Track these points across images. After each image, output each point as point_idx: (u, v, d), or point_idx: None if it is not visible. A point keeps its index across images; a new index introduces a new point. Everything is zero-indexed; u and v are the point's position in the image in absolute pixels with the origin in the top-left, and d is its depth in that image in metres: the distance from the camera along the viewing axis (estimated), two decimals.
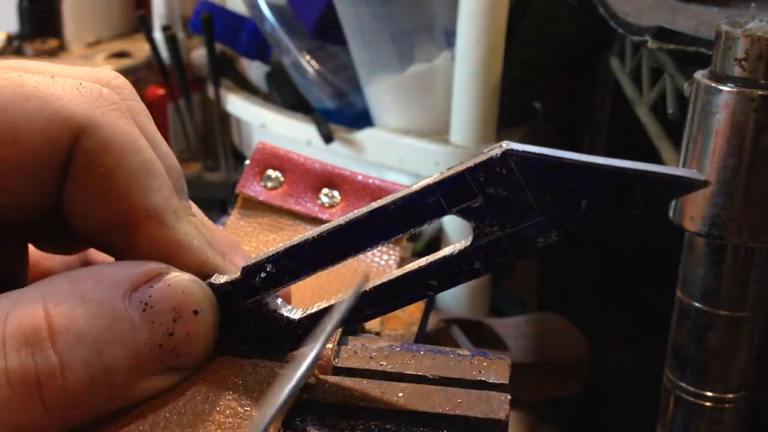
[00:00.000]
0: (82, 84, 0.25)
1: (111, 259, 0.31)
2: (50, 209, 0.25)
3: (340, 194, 0.44)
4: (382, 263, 0.42)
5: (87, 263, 0.31)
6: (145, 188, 0.25)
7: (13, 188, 0.24)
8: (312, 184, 0.44)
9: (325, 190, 0.44)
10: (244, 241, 0.42)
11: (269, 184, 0.44)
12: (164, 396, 0.25)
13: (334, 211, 0.43)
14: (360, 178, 0.44)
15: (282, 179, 0.44)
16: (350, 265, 0.41)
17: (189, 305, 0.24)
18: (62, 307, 0.22)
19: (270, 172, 0.44)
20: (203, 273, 0.26)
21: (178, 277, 0.25)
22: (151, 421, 0.24)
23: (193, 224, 0.26)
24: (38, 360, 0.22)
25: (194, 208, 0.28)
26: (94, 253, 0.31)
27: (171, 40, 1.09)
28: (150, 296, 0.24)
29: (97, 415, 0.23)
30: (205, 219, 0.29)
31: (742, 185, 0.39)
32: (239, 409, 0.25)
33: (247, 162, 0.44)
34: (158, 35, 1.15)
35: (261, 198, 0.43)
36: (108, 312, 0.23)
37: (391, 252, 0.43)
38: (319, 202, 0.44)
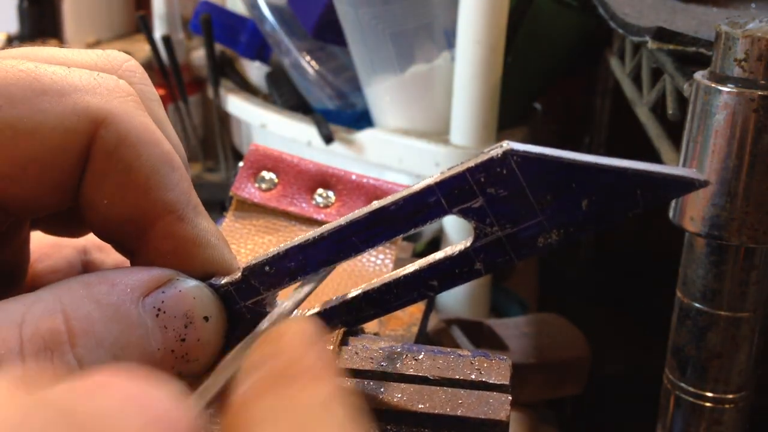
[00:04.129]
0: (99, 75, 0.24)
1: (112, 259, 0.31)
2: (66, 203, 0.25)
3: (334, 194, 0.44)
4: (378, 263, 0.42)
5: (87, 263, 0.31)
6: (165, 182, 0.24)
7: (30, 182, 0.23)
8: (306, 184, 0.44)
9: (319, 191, 0.44)
10: (239, 244, 0.42)
11: (263, 186, 0.43)
12: None
13: (329, 211, 0.43)
14: (354, 177, 0.44)
15: (276, 180, 0.44)
16: (346, 266, 0.41)
17: (200, 311, 0.24)
18: (80, 311, 0.22)
19: (264, 173, 0.44)
20: (217, 271, 0.26)
21: (188, 282, 0.25)
22: None
23: (210, 220, 0.26)
24: (58, 364, 0.21)
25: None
26: (94, 252, 0.31)
27: (166, 42, 1.09)
28: (162, 302, 0.24)
29: None
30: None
31: (742, 185, 0.39)
32: None
33: (241, 164, 0.44)
34: (158, 35, 1.15)
35: (255, 200, 0.43)
36: (123, 316, 0.23)
37: (387, 251, 0.43)
38: (314, 202, 0.43)
